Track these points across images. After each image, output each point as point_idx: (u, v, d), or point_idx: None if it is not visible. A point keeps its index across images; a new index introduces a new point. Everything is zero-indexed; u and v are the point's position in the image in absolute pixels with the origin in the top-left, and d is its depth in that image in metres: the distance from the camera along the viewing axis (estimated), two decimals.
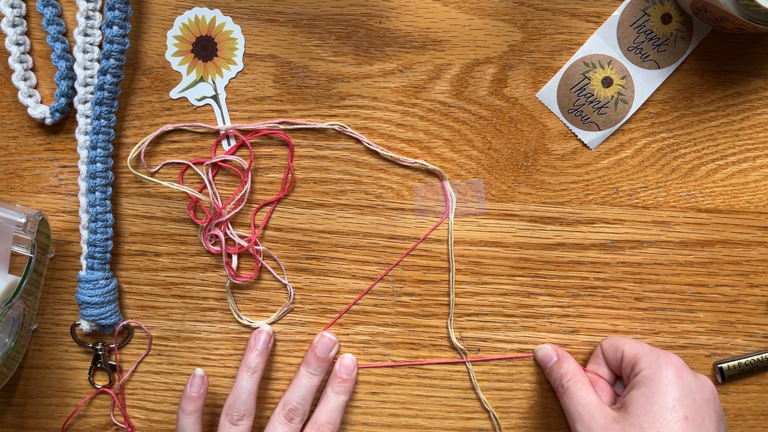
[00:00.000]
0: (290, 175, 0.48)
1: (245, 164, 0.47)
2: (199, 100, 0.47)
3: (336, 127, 0.47)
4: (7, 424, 0.49)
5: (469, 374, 0.49)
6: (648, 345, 0.45)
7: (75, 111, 0.46)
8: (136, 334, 0.49)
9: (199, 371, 0.46)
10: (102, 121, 0.45)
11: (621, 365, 0.45)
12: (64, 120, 0.47)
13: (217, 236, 0.48)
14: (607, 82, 0.47)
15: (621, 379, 0.46)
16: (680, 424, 0.40)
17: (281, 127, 0.47)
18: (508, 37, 0.47)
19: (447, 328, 0.49)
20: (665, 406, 0.40)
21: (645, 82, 0.47)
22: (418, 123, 0.48)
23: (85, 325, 0.48)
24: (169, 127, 0.47)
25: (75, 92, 0.46)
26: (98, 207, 0.46)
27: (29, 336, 0.48)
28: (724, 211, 0.49)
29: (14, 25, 0.46)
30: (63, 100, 0.46)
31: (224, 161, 0.47)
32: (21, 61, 0.46)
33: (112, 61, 0.44)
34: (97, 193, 0.46)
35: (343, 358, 0.48)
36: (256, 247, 0.48)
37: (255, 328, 0.49)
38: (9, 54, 0.46)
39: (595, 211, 0.48)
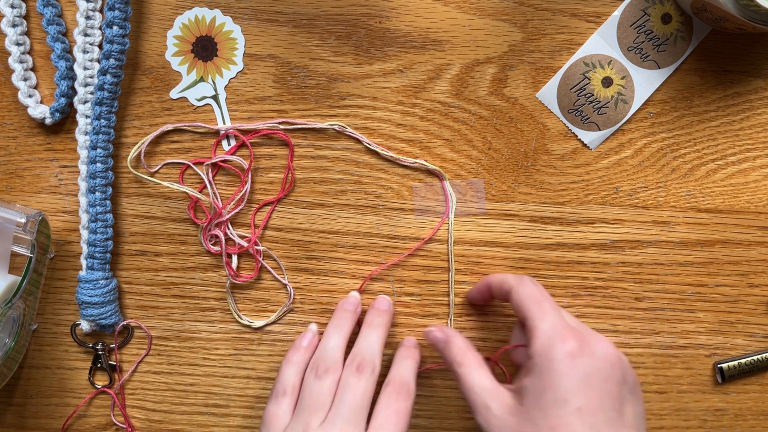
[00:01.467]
0: (290, 175, 0.48)
1: (245, 164, 0.47)
2: (199, 100, 0.47)
3: (336, 127, 0.47)
4: (7, 424, 0.49)
5: None
6: (538, 307, 0.41)
7: (75, 111, 0.46)
8: (136, 334, 0.49)
9: (313, 327, 0.47)
10: (102, 121, 0.45)
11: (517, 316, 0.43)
12: (64, 120, 0.47)
13: (217, 236, 0.48)
14: (607, 82, 0.47)
15: None
16: (574, 418, 0.37)
17: (281, 127, 0.47)
18: (508, 37, 0.47)
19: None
20: (557, 400, 0.37)
21: (645, 82, 0.47)
22: (418, 123, 0.48)
23: (85, 325, 0.48)
24: (169, 127, 0.47)
25: (75, 92, 0.46)
26: (98, 207, 0.46)
27: (29, 336, 0.48)
28: (724, 211, 0.49)
29: (14, 25, 0.46)
30: (63, 100, 0.46)
31: (224, 161, 0.47)
32: (21, 61, 0.46)
33: (112, 61, 0.44)
34: (97, 193, 0.46)
35: (406, 339, 0.48)
36: (256, 247, 0.48)
37: (255, 328, 0.49)
38: (9, 54, 0.46)
39: (595, 211, 0.48)
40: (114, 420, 0.49)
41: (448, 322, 0.49)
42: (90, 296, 0.46)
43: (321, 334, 0.46)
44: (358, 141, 0.48)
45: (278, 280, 0.49)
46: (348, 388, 0.42)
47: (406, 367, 0.44)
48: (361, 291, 0.48)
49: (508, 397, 0.40)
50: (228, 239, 0.48)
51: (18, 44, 0.46)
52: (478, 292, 0.47)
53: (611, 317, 0.49)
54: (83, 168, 0.46)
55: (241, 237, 0.48)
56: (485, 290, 0.46)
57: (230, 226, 0.48)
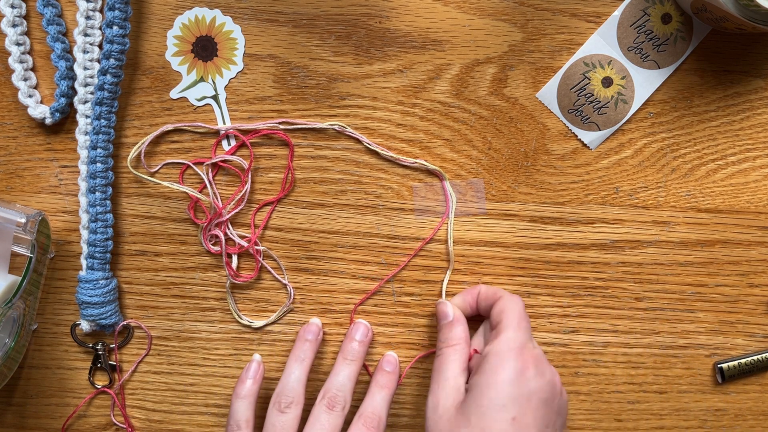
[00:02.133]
0: (290, 175, 0.48)
1: (245, 164, 0.47)
2: (199, 100, 0.47)
3: (336, 127, 0.47)
4: (7, 424, 0.49)
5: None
6: (516, 320, 0.43)
7: (75, 111, 0.46)
8: (136, 334, 0.49)
9: (256, 356, 0.47)
10: (102, 121, 0.45)
11: (489, 318, 0.45)
12: (64, 120, 0.47)
13: (217, 236, 0.48)
14: (607, 82, 0.47)
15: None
16: (506, 425, 0.39)
17: (281, 127, 0.47)
18: (508, 37, 0.47)
19: None
20: (496, 403, 0.39)
21: (645, 82, 0.47)
22: (418, 123, 0.48)
23: (85, 325, 0.48)
24: (169, 127, 0.47)
25: (75, 92, 0.46)
26: (98, 207, 0.46)
27: (29, 336, 0.48)
28: (724, 211, 0.49)
29: (14, 25, 0.46)
30: (63, 100, 0.46)
31: (224, 161, 0.47)
32: (21, 61, 0.46)
33: (112, 61, 0.44)
34: (97, 193, 0.46)
35: (386, 354, 0.48)
36: (256, 247, 0.48)
37: (255, 328, 0.49)
38: (9, 54, 0.46)
39: (595, 211, 0.48)
40: (114, 420, 0.49)
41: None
42: (90, 296, 0.46)
43: (283, 364, 0.46)
44: (358, 141, 0.48)
45: (278, 280, 0.49)
46: (317, 424, 0.43)
47: (380, 399, 0.45)
48: (368, 298, 0.49)
49: (462, 394, 0.42)
50: (228, 239, 0.48)
51: (18, 44, 0.46)
52: (469, 295, 0.47)
53: (611, 317, 0.49)
54: (83, 168, 0.46)
55: (241, 237, 0.48)
56: (473, 299, 0.46)
57: (230, 226, 0.48)
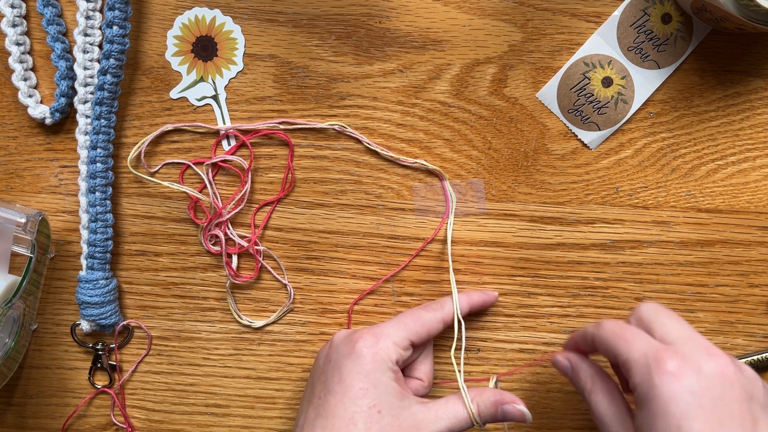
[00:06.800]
0: (290, 175, 0.48)
1: (245, 164, 0.47)
2: (199, 100, 0.47)
3: (336, 127, 0.47)
4: (7, 424, 0.49)
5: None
6: (644, 340, 0.37)
7: (75, 111, 0.46)
8: (136, 334, 0.49)
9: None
10: (102, 121, 0.45)
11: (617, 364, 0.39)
12: (64, 120, 0.47)
13: (217, 236, 0.48)
14: (607, 82, 0.47)
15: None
16: None
17: (281, 127, 0.47)
18: (508, 37, 0.47)
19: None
20: (669, 428, 0.33)
21: (645, 82, 0.47)
22: (418, 123, 0.48)
23: (85, 325, 0.48)
24: (169, 127, 0.47)
25: (75, 92, 0.46)
26: (98, 207, 0.46)
27: (29, 336, 0.48)
28: (724, 211, 0.49)
29: (14, 25, 0.46)
30: (63, 100, 0.46)
31: (224, 161, 0.47)
32: (21, 61, 0.46)
33: (112, 61, 0.44)
34: (97, 193, 0.46)
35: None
36: (256, 247, 0.48)
37: (255, 328, 0.49)
38: (9, 54, 0.46)
39: (595, 211, 0.48)
40: (114, 420, 0.49)
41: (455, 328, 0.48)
42: (90, 296, 0.46)
43: None
44: (358, 141, 0.48)
45: (278, 280, 0.49)
46: None
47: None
48: (365, 295, 0.49)
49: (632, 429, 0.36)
50: (228, 239, 0.48)
51: (18, 44, 0.46)
52: (575, 344, 0.42)
53: (611, 317, 0.49)
54: (83, 168, 0.46)
55: (241, 237, 0.48)
56: (578, 348, 0.42)
57: (230, 226, 0.48)
